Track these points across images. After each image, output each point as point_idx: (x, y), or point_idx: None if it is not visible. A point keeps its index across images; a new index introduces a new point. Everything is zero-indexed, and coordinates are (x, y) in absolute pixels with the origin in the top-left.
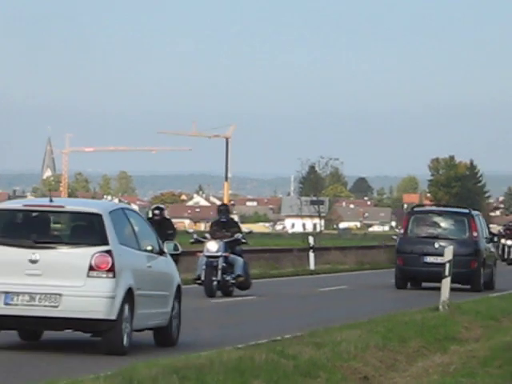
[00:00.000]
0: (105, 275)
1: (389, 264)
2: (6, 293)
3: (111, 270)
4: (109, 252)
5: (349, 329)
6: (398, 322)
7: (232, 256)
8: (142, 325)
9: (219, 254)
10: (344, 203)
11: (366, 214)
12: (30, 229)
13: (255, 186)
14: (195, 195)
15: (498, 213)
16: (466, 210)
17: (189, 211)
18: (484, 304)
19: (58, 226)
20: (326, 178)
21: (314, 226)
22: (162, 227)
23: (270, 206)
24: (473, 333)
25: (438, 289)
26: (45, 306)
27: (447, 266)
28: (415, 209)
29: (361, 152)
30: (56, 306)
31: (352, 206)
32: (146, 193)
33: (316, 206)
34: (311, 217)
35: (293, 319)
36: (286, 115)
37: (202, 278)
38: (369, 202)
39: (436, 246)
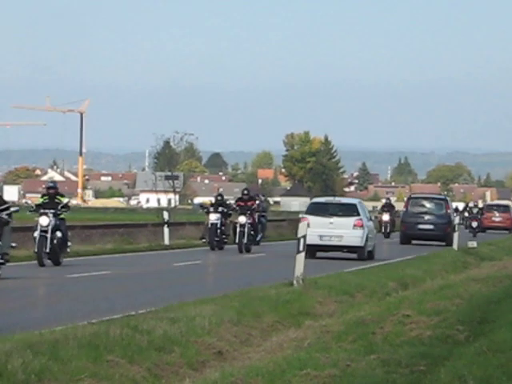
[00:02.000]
0: (359, 229)
1: None
2: (320, 236)
3: (362, 226)
4: (361, 219)
5: (203, 304)
6: (252, 297)
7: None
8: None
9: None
10: (199, 178)
11: (221, 190)
12: (329, 209)
13: (110, 160)
14: (49, 170)
15: (352, 188)
16: (443, 196)
17: (43, 186)
18: (338, 279)
19: (338, 208)
20: (180, 153)
21: (169, 201)
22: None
23: (125, 181)
24: (327, 308)
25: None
26: (336, 240)
27: (301, 241)
28: (412, 195)
29: (216, 127)
30: (340, 240)
31: (207, 181)
32: (0, 168)
33: (171, 181)
34: (166, 192)
35: (148, 294)
36: (141, 90)
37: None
38: (223, 178)
39: (425, 218)
